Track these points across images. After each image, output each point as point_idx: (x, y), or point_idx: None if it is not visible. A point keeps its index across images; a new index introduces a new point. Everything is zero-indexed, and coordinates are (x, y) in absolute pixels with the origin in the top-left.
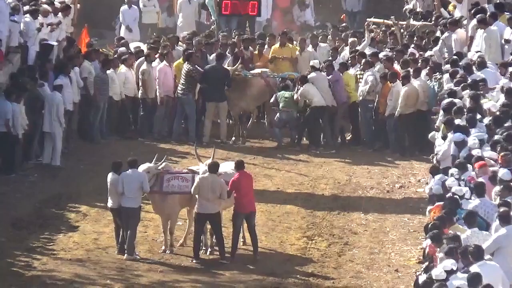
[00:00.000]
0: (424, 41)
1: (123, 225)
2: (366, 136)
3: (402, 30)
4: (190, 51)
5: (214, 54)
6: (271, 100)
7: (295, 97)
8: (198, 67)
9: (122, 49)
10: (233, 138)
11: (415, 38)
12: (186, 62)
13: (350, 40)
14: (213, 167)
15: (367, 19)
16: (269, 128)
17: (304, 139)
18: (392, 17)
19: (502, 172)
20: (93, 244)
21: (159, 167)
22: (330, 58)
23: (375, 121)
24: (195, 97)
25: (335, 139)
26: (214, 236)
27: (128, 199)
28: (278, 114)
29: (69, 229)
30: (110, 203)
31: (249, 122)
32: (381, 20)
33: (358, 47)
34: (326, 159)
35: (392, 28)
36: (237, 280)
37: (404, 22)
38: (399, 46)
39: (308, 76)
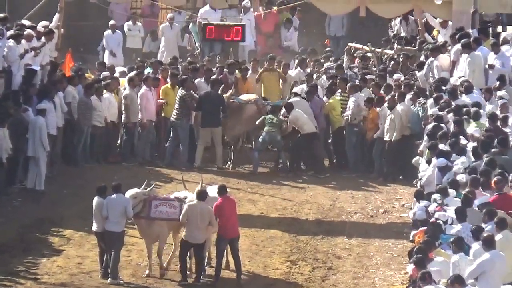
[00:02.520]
0: (406, 65)
1: (107, 249)
2: (350, 160)
3: (385, 56)
4: (185, 76)
5: (200, 80)
6: (257, 122)
7: (283, 125)
8: (193, 93)
9: (106, 73)
10: (229, 163)
11: (399, 64)
12: (181, 88)
13: (325, 65)
14: (202, 195)
15: (348, 43)
16: (250, 152)
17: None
18: (368, 44)
19: (481, 199)
20: (77, 269)
21: (146, 193)
22: (310, 84)
23: (361, 145)
24: (189, 122)
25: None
26: (195, 261)
27: (112, 223)
28: (261, 136)
29: (52, 253)
30: (94, 227)
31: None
32: (361, 46)
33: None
34: (309, 184)
35: (368, 54)
36: None
37: (379, 50)
38: (376, 72)
39: (289, 101)
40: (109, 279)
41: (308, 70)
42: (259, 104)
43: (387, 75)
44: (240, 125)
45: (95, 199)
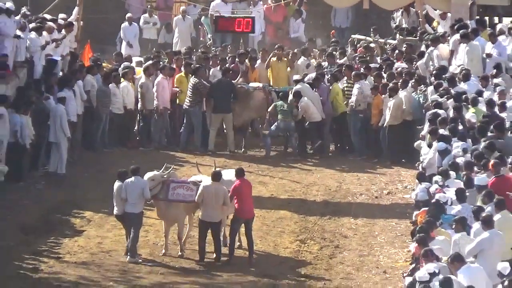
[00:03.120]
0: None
1: (127, 230)
2: (355, 145)
3: (386, 46)
4: (198, 65)
5: (215, 69)
6: (269, 109)
7: (294, 112)
8: (204, 81)
9: (126, 63)
10: (243, 149)
11: (403, 53)
12: (193, 76)
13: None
14: (216, 176)
15: (351, 35)
16: (263, 137)
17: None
18: (371, 34)
19: (479, 178)
20: (97, 248)
21: (165, 176)
22: (319, 72)
23: (366, 131)
24: (201, 109)
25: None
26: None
27: (130, 205)
28: (276, 123)
29: (74, 233)
30: (115, 211)
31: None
32: (364, 37)
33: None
34: (317, 167)
35: (371, 45)
36: (234, 282)
37: (383, 40)
38: (379, 61)
39: (296, 88)
40: (128, 257)
41: (311, 59)
42: (266, 90)
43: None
44: (249, 111)
45: (116, 184)
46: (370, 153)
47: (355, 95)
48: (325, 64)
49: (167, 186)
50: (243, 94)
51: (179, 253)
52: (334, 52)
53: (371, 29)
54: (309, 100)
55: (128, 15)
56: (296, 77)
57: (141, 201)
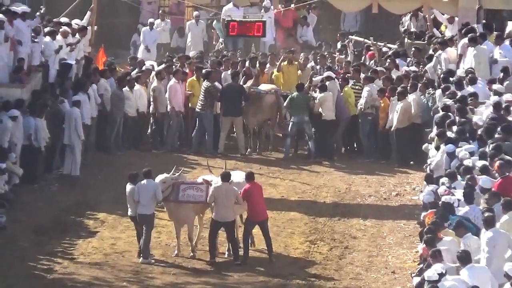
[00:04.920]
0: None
1: (140, 231)
2: (365, 147)
3: (384, 49)
4: (210, 69)
5: (226, 72)
6: (285, 104)
7: (310, 104)
8: (218, 84)
9: (148, 65)
10: (249, 150)
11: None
12: (206, 80)
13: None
14: (226, 177)
15: (349, 36)
16: (284, 137)
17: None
18: (371, 38)
19: (483, 180)
20: (110, 249)
21: (175, 178)
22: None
23: (375, 133)
24: (213, 113)
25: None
26: (228, 241)
27: (142, 207)
28: (291, 121)
29: (88, 235)
30: (129, 212)
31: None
32: (362, 39)
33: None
34: (327, 169)
35: (371, 48)
36: (245, 282)
37: (382, 43)
38: (377, 64)
39: (324, 82)
40: (141, 258)
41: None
42: (277, 94)
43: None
44: (261, 113)
45: (128, 186)
46: (379, 155)
47: (364, 97)
48: (317, 67)
49: (177, 188)
50: (255, 98)
51: (191, 254)
52: (325, 54)
53: (369, 37)
54: (329, 94)
55: (150, 20)
56: (328, 73)
57: (153, 203)
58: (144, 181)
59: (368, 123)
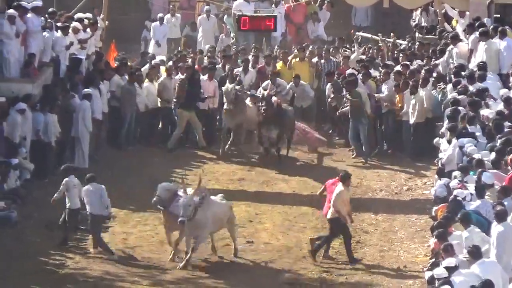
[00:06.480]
0: (428, 52)
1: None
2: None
3: (390, 46)
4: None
5: (237, 69)
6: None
7: (366, 105)
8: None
9: (158, 59)
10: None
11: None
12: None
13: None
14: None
15: (356, 33)
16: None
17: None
18: (379, 34)
19: (485, 175)
20: (122, 244)
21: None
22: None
23: (392, 128)
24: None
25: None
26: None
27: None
28: (350, 126)
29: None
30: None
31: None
32: (370, 35)
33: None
34: (338, 164)
35: (380, 44)
36: (257, 275)
37: (391, 40)
38: (386, 61)
39: (349, 78)
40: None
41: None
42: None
43: (410, 62)
44: (245, 121)
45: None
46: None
47: (384, 93)
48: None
49: (175, 199)
50: (242, 102)
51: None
52: (330, 49)
53: (378, 33)
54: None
55: (160, 14)
56: (350, 71)
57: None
58: (89, 186)
59: (392, 118)
